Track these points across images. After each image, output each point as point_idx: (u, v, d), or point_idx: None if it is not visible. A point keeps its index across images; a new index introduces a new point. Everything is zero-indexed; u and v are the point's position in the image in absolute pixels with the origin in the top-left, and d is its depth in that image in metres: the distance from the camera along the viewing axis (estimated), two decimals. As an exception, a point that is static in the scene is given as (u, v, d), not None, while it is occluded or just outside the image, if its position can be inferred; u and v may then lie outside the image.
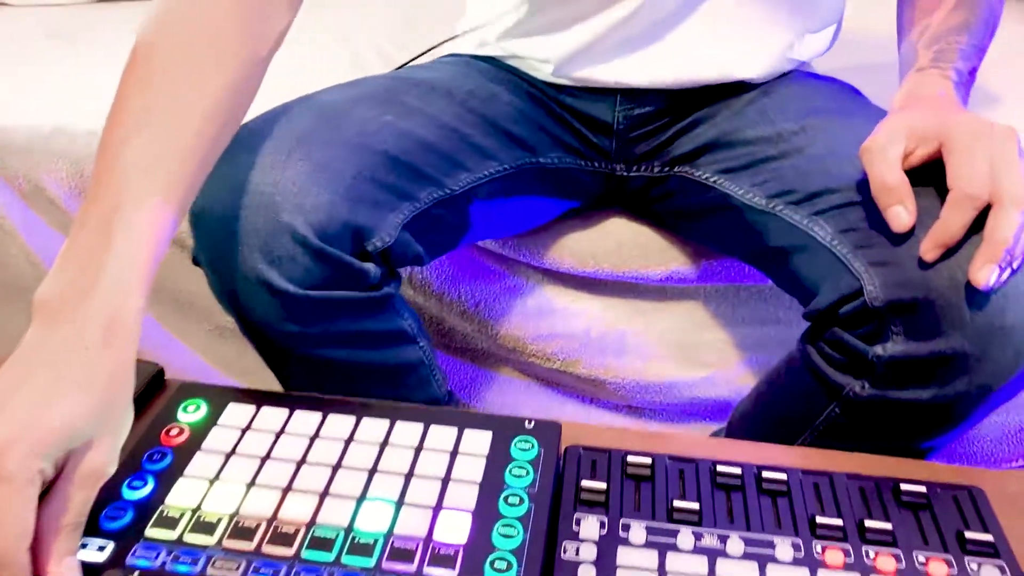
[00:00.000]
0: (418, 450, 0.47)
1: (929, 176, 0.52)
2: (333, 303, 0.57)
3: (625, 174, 0.76)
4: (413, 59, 0.78)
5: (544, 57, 0.71)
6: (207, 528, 0.42)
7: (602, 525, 0.43)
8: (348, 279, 0.57)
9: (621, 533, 0.42)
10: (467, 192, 0.66)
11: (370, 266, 0.58)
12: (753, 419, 0.68)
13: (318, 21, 1.11)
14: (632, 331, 0.85)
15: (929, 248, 0.50)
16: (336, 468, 0.46)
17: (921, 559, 0.42)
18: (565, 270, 0.83)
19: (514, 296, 0.86)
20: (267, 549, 0.41)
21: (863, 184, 0.54)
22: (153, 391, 0.56)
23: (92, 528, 0.41)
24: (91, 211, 0.43)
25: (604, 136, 0.74)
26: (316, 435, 0.48)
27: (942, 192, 0.50)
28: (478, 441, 0.47)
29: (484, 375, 0.90)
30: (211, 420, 0.49)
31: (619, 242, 0.81)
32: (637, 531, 0.43)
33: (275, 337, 0.58)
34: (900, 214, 0.51)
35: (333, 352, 0.60)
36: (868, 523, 0.43)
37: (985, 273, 0.47)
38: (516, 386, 0.90)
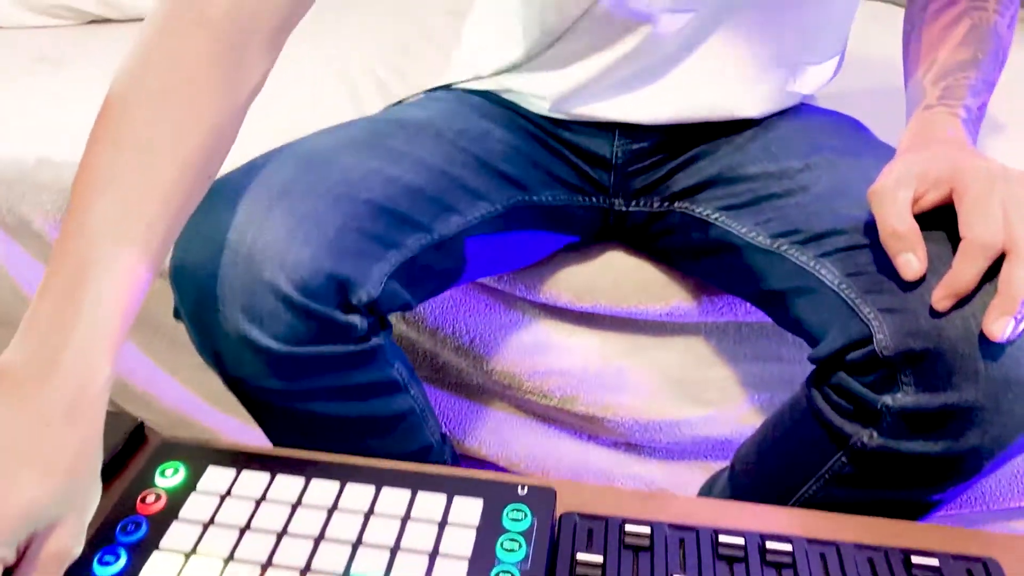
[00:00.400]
0: (405, 520, 0.44)
1: (939, 218, 0.50)
2: (318, 358, 0.55)
3: (624, 209, 0.74)
4: (404, 100, 0.76)
5: (541, 94, 0.69)
6: (181, 609, 0.40)
7: (598, 604, 0.41)
8: (333, 333, 0.55)
9: (618, 613, 0.40)
10: (458, 235, 0.64)
11: (356, 319, 0.56)
12: (757, 465, 0.66)
13: (312, 47, 1.09)
14: (631, 367, 0.82)
15: (941, 298, 0.48)
16: (318, 540, 0.43)
17: (935, 642, 0.40)
18: (562, 305, 0.81)
19: (510, 331, 0.84)
20: (244, 633, 0.39)
21: (871, 227, 0.52)
22: (133, 447, 0.54)
23: (60, 611, 0.39)
24: (58, 273, 0.41)
25: (602, 171, 0.72)
26: (298, 502, 0.46)
27: (953, 236, 0.49)
28: (468, 510, 0.45)
29: (479, 411, 0.88)
30: (190, 485, 0.47)
31: (618, 277, 0.79)
32: (635, 611, 0.40)
33: (259, 393, 0.56)
34: (911, 262, 0.49)
35: (320, 406, 0.58)
36: (879, 601, 0.41)
37: (1000, 326, 0.45)
38: (512, 423, 0.88)
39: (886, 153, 0.61)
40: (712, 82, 0.66)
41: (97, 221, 0.42)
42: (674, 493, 0.85)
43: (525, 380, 0.83)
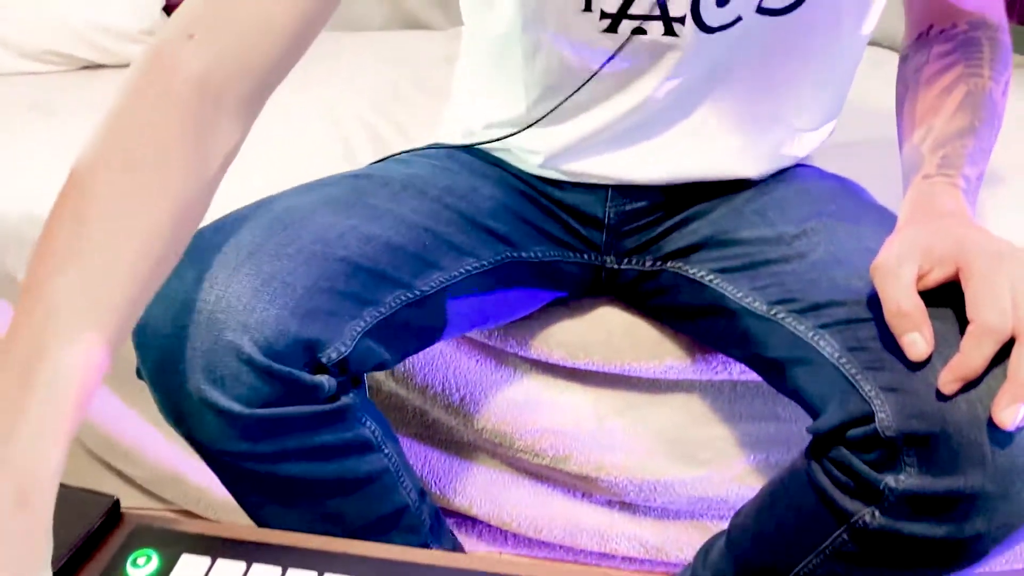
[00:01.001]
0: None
1: (943, 294, 0.49)
2: (283, 420, 0.54)
3: (616, 267, 0.73)
4: (390, 156, 0.75)
5: (535, 149, 0.68)
6: None
7: None
8: (299, 394, 0.54)
9: None
10: (440, 291, 0.62)
11: (323, 379, 0.55)
12: (755, 536, 0.64)
13: (303, 93, 1.08)
14: (624, 426, 0.81)
15: (948, 381, 0.46)
16: (294, 638, 0.41)
17: None
18: (555, 361, 0.79)
19: (500, 388, 0.82)
20: None
21: (872, 300, 0.51)
22: (109, 526, 0.52)
23: None
24: (12, 352, 0.40)
25: (594, 229, 0.71)
26: (274, 595, 0.44)
27: (959, 313, 0.47)
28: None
29: (470, 469, 0.86)
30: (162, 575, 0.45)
31: (610, 333, 0.78)
32: None
33: (223, 455, 0.55)
34: (916, 342, 0.47)
35: (286, 468, 0.57)
36: None
37: (1011, 414, 0.44)
38: (504, 481, 0.86)
39: (884, 219, 0.60)
40: (707, 143, 0.65)
41: (55, 300, 0.41)
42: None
43: (517, 439, 0.82)
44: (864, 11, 0.60)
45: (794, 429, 0.80)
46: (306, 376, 0.54)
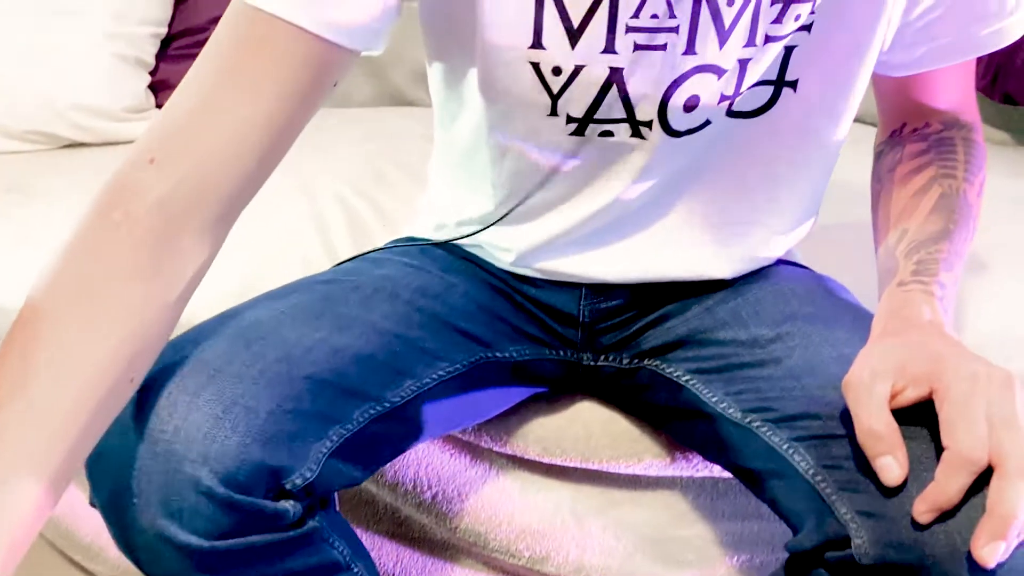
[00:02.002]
0: None
1: (918, 411, 0.47)
2: (246, 550, 0.51)
3: (592, 364, 0.71)
4: (364, 253, 0.74)
5: (506, 246, 0.67)
6: None
7: None
8: (261, 523, 0.51)
9: None
10: (412, 400, 0.60)
11: (288, 505, 0.52)
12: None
13: (280, 172, 1.08)
14: (604, 525, 0.78)
15: (923, 511, 0.44)
16: None
17: None
18: (531, 458, 0.77)
19: (475, 485, 0.79)
20: None
21: (847, 414, 0.49)
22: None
23: None
24: None
25: (569, 327, 0.69)
26: None
27: (935, 432, 0.46)
28: None
29: (444, 568, 0.83)
30: None
31: (588, 430, 0.75)
32: None
33: None
34: (890, 466, 0.45)
35: None
36: None
37: (991, 551, 0.42)
38: (479, 581, 0.83)
39: (861, 322, 0.59)
40: (679, 245, 0.64)
41: None
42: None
43: (492, 538, 0.79)
44: (837, 114, 0.59)
45: (779, 529, 0.77)
46: (269, 504, 0.51)
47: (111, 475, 0.50)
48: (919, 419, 0.47)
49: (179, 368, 0.51)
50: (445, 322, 0.64)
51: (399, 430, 0.61)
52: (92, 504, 0.53)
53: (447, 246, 0.71)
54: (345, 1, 0.50)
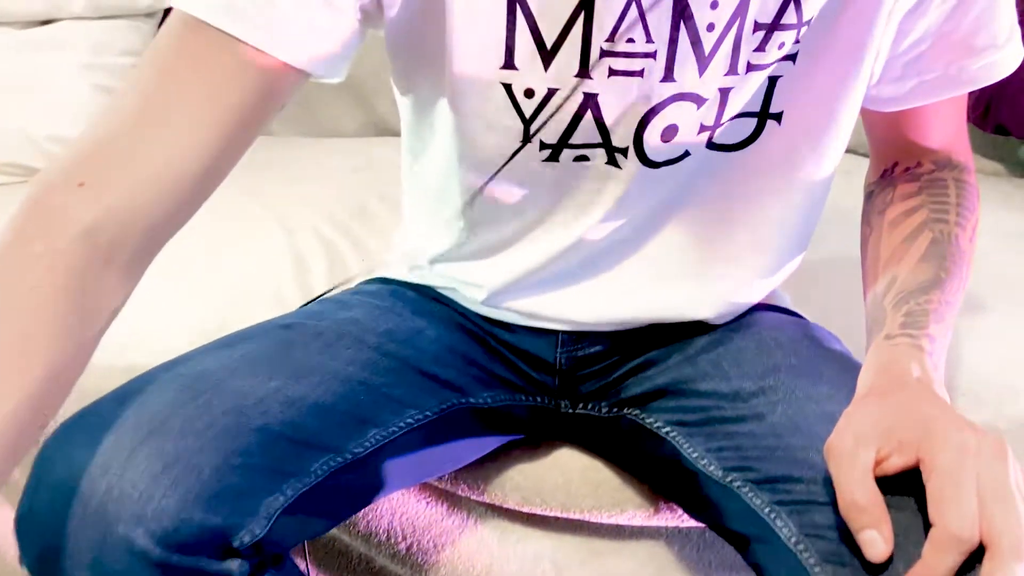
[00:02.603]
0: None
1: (904, 477, 0.44)
2: None
3: (571, 411, 0.68)
4: (333, 289, 0.71)
5: (476, 283, 0.64)
6: None
7: None
8: None
9: None
10: (377, 450, 0.57)
11: (234, 564, 0.49)
12: None
13: (260, 203, 1.06)
14: (586, 577, 0.75)
15: None
16: None
17: None
18: (510, 507, 0.74)
19: (452, 535, 0.76)
20: None
21: (830, 481, 0.46)
22: None
23: None
24: None
25: (546, 374, 0.66)
26: None
27: (922, 501, 0.42)
28: None
29: (420, 621, 0.80)
30: None
31: (568, 478, 0.72)
32: None
33: None
34: (875, 541, 0.42)
35: None
36: None
37: None
38: (456, 635, 0.79)
39: (847, 375, 0.56)
40: (658, 284, 0.61)
41: None
42: None
43: (469, 592, 0.75)
44: (824, 148, 0.57)
45: (768, 582, 0.74)
46: (212, 564, 0.48)
47: (40, 535, 0.47)
48: (905, 486, 0.44)
49: (118, 423, 0.48)
50: (414, 367, 0.61)
51: (363, 482, 0.58)
52: (20, 563, 0.50)
53: (420, 287, 0.68)
54: (305, 23, 0.48)
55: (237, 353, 0.55)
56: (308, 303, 0.68)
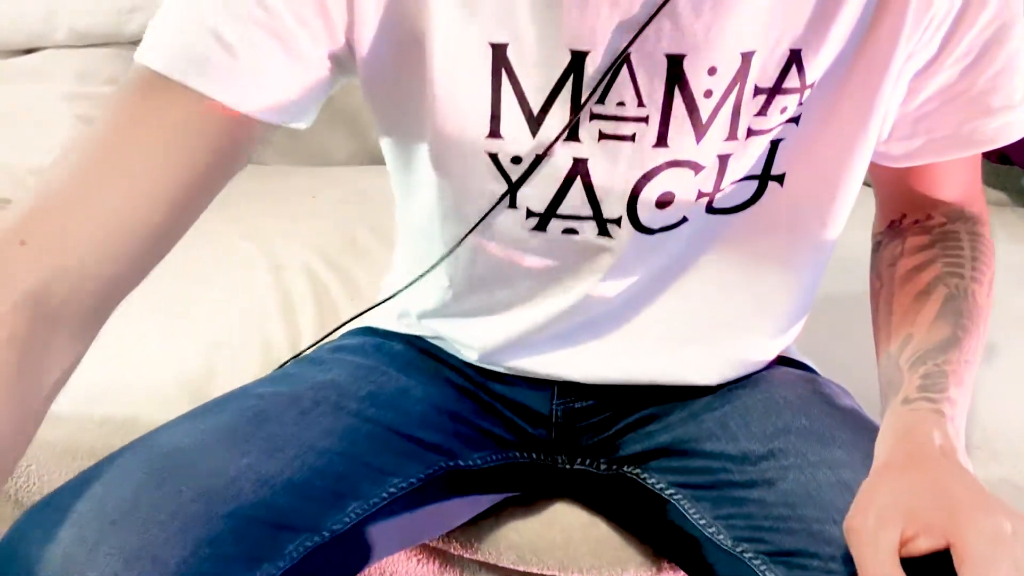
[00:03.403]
0: None
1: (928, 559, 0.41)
2: None
3: (568, 467, 0.65)
4: (321, 340, 0.68)
5: (467, 343, 0.61)
6: None
7: None
8: None
9: None
10: (357, 524, 0.54)
11: None
12: None
13: (248, 236, 1.03)
14: (585, 640, 0.71)
15: None
16: None
17: None
18: (505, 565, 0.70)
19: (445, 595, 0.73)
20: None
21: (849, 558, 0.43)
22: None
23: None
24: None
25: (541, 427, 0.63)
26: None
27: None
28: None
29: None
30: None
31: (567, 536, 0.69)
32: None
33: None
34: None
35: None
36: None
37: None
38: None
39: (861, 437, 0.53)
40: (656, 349, 0.58)
41: None
42: None
43: (462, 655, 0.72)
44: (829, 210, 0.54)
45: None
46: None
47: None
48: (930, 568, 0.41)
49: (79, 514, 0.45)
50: (398, 432, 0.57)
51: (344, 558, 0.55)
52: None
53: (408, 338, 0.65)
54: (267, 73, 0.45)
55: (209, 425, 0.52)
56: (289, 361, 0.65)
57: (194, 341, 0.82)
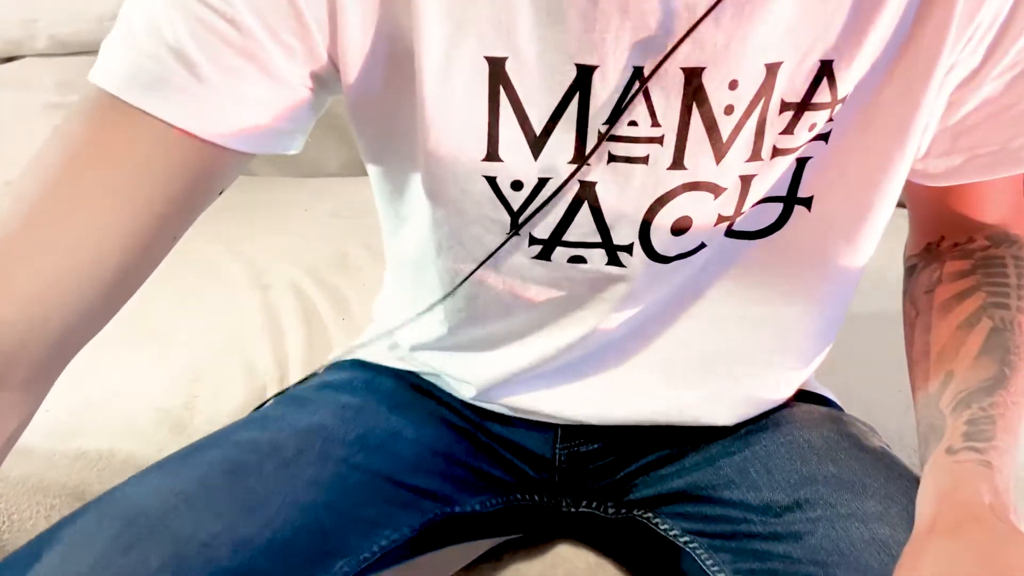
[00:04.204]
0: None
1: None
2: None
3: (573, 510, 0.60)
4: (308, 378, 0.63)
5: (463, 379, 0.56)
6: None
7: None
8: None
9: None
10: None
11: None
12: None
13: (233, 252, 0.98)
14: None
15: None
16: None
17: None
18: (505, 610, 0.65)
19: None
20: None
21: None
22: None
23: None
24: None
25: (544, 470, 0.58)
26: None
27: None
28: None
29: None
30: None
31: (571, 579, 0.64)
32: None
33: None
34: None
35: None
36: None
37: None
38: None
39: (895, 485, 0.48)
40: (669, 385, 0.53)
41: None
42: None
43: None
44: (859, 235, 0.49)
45: None
46: None
47: None
48: None
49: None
50: (388, 479, 0.53)
51: None
52: None
53: (399, 372, 0.60)
54: (239, 97, 0.40)
55: (179, 484, 0.47)
56: (270, 400, 0.60)
57: (174, 369, 0.77)
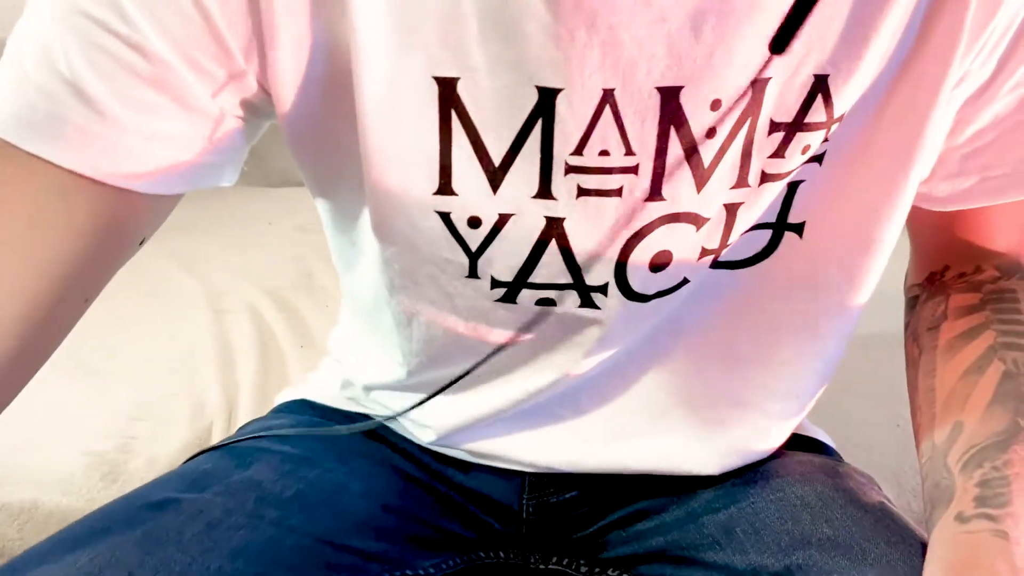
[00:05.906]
0: None
1: None
2: None
3: (543, 567, 0.55)
4: (250, 423, 0.57)
5: (422, 423, 0.51)
6: None
7: None
8: None
9: None
10: None
11: None
12: None
13: (187, 269, 0.92)
14: None
15: None
16: None
17: None
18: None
19: None
20: None
21: None
22: None
23: None
24: None
25: (510, 523, 0.53)
26: None
27: None
28: None
29: None
30: None
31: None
32: None
33: None
34: None
35: None
36: None
37: None
38: None
39: (897, 550, 0.43)
40: (648, 431, 0.48)
41: None
42: None
43: None
44: (856, 266, 0.43)
45: None
46: None
47: None
48: None
49: None
50: (329, 543, 0.47)
51: None
52: None
53: (351, 415, 0.55)
54: (149, 134, 0.35)
55: (86, 558, 0.40)
56: (196, 456, 0.54)
57: (110, 407, 0.71)
